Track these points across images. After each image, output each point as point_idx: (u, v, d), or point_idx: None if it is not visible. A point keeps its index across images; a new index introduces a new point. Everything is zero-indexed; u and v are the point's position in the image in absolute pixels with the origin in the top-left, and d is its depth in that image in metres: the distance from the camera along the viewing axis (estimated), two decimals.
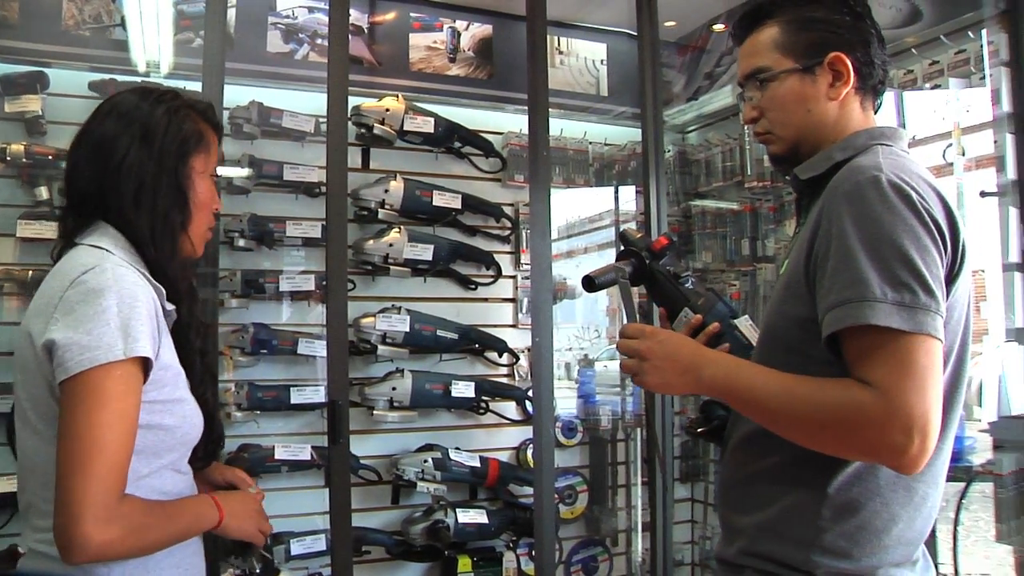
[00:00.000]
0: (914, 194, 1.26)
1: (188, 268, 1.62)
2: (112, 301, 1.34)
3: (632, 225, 4.16)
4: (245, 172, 3.36)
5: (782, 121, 1.51)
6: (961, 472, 2.81)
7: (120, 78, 3.22)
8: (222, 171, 3.23)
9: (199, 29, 3.15)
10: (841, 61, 1.44)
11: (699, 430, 1.64)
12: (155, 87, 1.70)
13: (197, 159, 1.58)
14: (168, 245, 1.52)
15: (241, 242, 3.33)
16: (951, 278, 1.29)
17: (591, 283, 1.62)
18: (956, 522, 2.77)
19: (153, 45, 3.29)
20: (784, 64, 1.48)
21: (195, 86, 2.89)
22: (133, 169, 1.49)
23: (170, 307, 1.52)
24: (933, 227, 1.25)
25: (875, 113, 1.53)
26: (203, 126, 1.62)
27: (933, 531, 2.78)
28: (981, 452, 2.85)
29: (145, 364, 1.38)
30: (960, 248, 1.30)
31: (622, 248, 1.70)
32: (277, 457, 3.24)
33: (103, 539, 1.27)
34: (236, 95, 3.32)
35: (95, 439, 1.28)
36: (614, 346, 4.42)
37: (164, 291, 1.49)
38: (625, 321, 1.55)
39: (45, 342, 1.33)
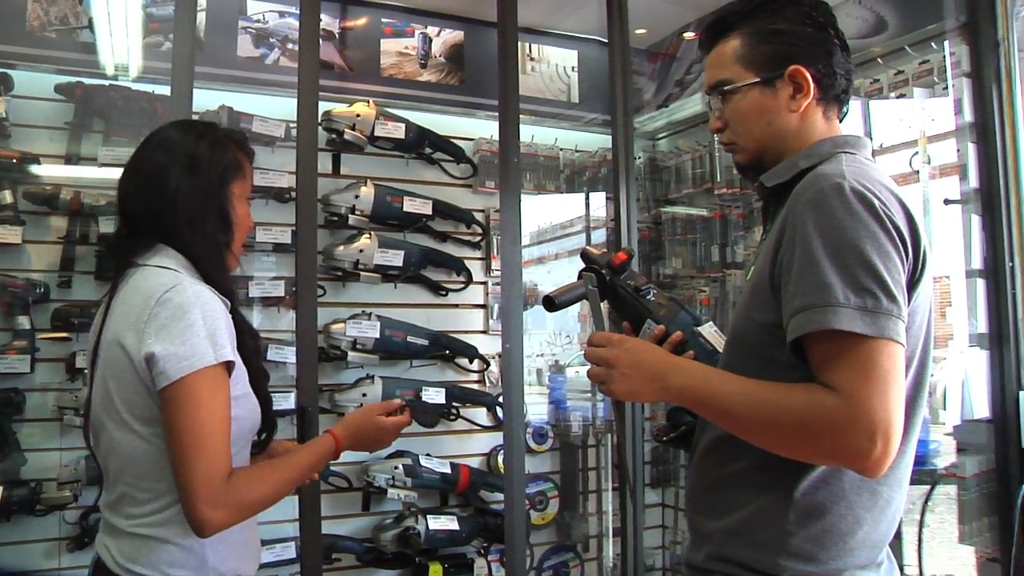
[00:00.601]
0: (876, 201, 1.27)
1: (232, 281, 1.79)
2: (198, 315, 1.54)
3: (601, 239, 4.18)
4: None
5: (744, 132, 1.53)
6: (926, 475, 2.85)
7: (88, 81, 3.20)
8: None
9: (168, 32, 3.12)
10: (800, 74, 1.45)
11: (665, 438, 1.66)
12: (195, 121, 1.96)
13: (236, 185, 1.76)
14: (219, 262, 1.72)
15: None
16: (912, 284, 1.31)
17: (552, 303, 1.65)
18: (921, 524, 2.81)
19: (121, 48, 3.26)
20: (745, 77, 1.50)
21: (164, 90, 2.87)
22: (185, 198, 1.67)
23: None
24: (895, 233, 1.27)
25: (841, 121, 1.55)
26: (239, 155, 1.79)
27: (899, 533, 2.83)
28: (945, 455, 2.89)
29: (228, 366, 1.59)
30: (921, 255, 1.32)
31: (583, 267, 1.71)
32: None
33: (217, 517, 1.51)
34: (205, 99, 3.30)
35: (197, 435, 1.50)
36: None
37: (228, 302, 1.68)
38: (593, 329, 1.56)
39: (145, 355, 1.52)
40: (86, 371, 1.72)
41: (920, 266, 1.32)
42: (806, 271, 1.26)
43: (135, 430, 1.58)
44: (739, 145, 1.55)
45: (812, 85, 1.46)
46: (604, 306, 1.63)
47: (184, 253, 1.67)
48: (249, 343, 1.74)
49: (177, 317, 1.53)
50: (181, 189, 1.66)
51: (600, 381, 1.46)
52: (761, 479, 1.38)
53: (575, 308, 1.78)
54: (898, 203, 1.31)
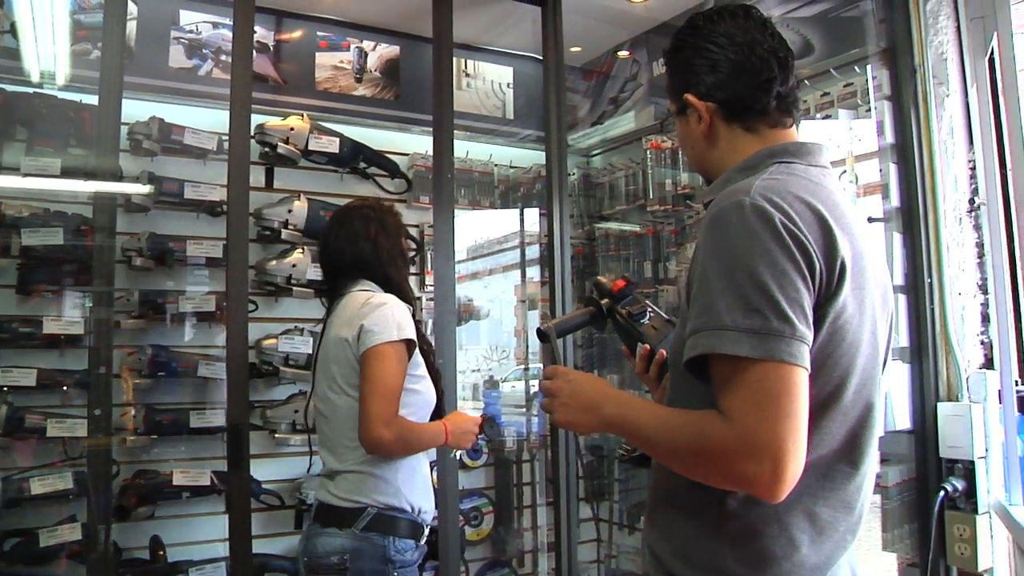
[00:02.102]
0: (777, 216, 1.23)
1: None
2: (390, 310, 2.29)
3: (535, 255, 4.21)
4: (145, 189, 3.28)
5: (686, 156, 1.61)
6: None
7: (9, 88, 3.13)
8: (119, 188, 3.15)
9: (97, 40, 3.07)
10: (689, 101, 1.48)
11: (627, 457, 1.76)
12: (367, 202, 2.61)
13: (404, 240, 2.58)
14: (405, 285, 2.49)
15: (139, 261, 3.24)
16: (827, 299, 1.26)
17: (545, 336, 1.69)
18: None
19: (47, 55, 3.18)
20: (672, 109, 1.58)
21: (92, 99, 2.81)
22: (385, 247, 2.45)
23: None
24: (795, 249, 1.22)
25: (792, 127, 1.51)
26: (399, 219, 2.57)
27: None
28: None
29: (409, 345, 2.30)
30: (838, 267, 1.26)
31: (588, 295, 1.79)
32: (175, 483, 3.15)
33: (386, 437, 2.19)
34: (136, 110, 3.25)
35: (379, 382, 2.22)
36: (522, 368, 4.47)
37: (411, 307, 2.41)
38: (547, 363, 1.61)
39: (356, 332, 2.27)
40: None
41: (837, 280, 1.26)
42: (700, 292, 1.26)
43: (349, 394, 2.29)
44: (691, 166, 1.64)
45: (703, 108, 1.47)
46: (561, 343, 1.68)
47: (380, 282, 2.43)
48: (425, 343, 2.46)
49: (376, 309, 2.28)
50: (381, 243, 2.45)
51: (548, 411, 1.51)
52: (694, 500, 1.37)
53: (510, 324, 1.83)
54: (813, 215, 1.27)
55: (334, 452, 2.35)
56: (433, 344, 2.71)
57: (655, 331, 1.69)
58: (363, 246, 2.44)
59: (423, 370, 2.42)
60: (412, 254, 3.96)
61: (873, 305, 1.36)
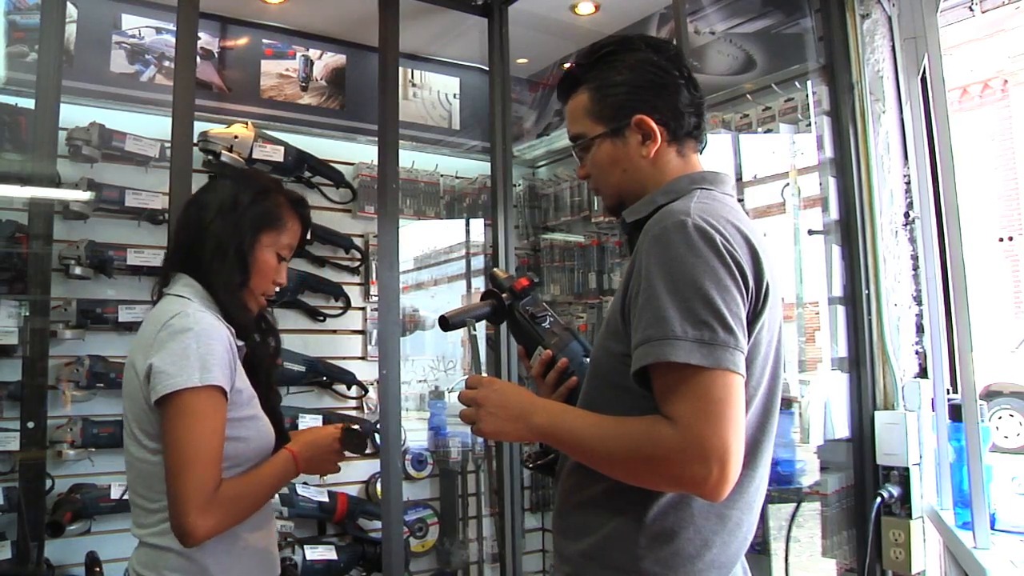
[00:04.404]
0: (718, 237, 1.31)
1: (251, 315, 1.89)
2: (192, 340, 1.66)
3: (480, 265, 4.22)
4: (84, 196, 3.21)
5: (604, 181, 1.59)
6: (792, 493, 2.98)
7: None
8: (57, 194, 3.08)
9: (34, 42, 3.01)
10: (645, 123, 1.50)
11: (531, 464, 1.72)
12: (259, 174, 2.22)
13: (268, 235, 1.88)
14: (234, 297, 1.83)
15: (78, 270, 3.17)
16: (755, 316, 1.36)
17: (445, 322, 1.69)
18: (788, 540, 2.92)
19: None
20: (596, 130, 1.55)
21: (28, 103, 2.75)
22: (214, 234, 1.82)
23: (240, 342, 1.82)
24: (735, 268, 1.31)
25: (701, 152, 1.60)
26: (286, 212, 1.91)
27: (768, 549, 2.94)
28: (811, 474, 3.02)
29: (222, 389, 1.69)
30: (764, 289, 1.37)
31: (487, 288, 1.77)
32: (113, 497, 3.08)
33: (207, 524, 1.62)
34: (75, 115, 3.19)
35: (189, 450, 1.62)
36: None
37: (234, 330, 1.80)
38: (471, 370, 1.60)
39: (145, 369, 1.67)
40: None
41: (762, 299, 1.37)
42: (648, 305, 1.30)
43: (143, 444, 1.72)
44: (602, 192, 1.62)
45: (658, 130, 1.51)
46: (485, 345, 1.67)
47: (203, 283, 1.81)
48: (262, 370, 1.90)
49: (173, 340, 1.67)
50: (213, 225, 1.82)
51: (470, 421, 1.50)
52: (614, 504, 1.43)
53: (457, 333, 1.82)
54: (743, 239, 1.36)
55: (133, 510, 1.80)
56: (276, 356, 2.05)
57: (556, 337, 1.69)
58: (192, 230, 1.86)
59: (254, 408, 1.82)
60: (356, 264, 3.95)
61: (777, 322, 1.46)
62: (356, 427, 1.98)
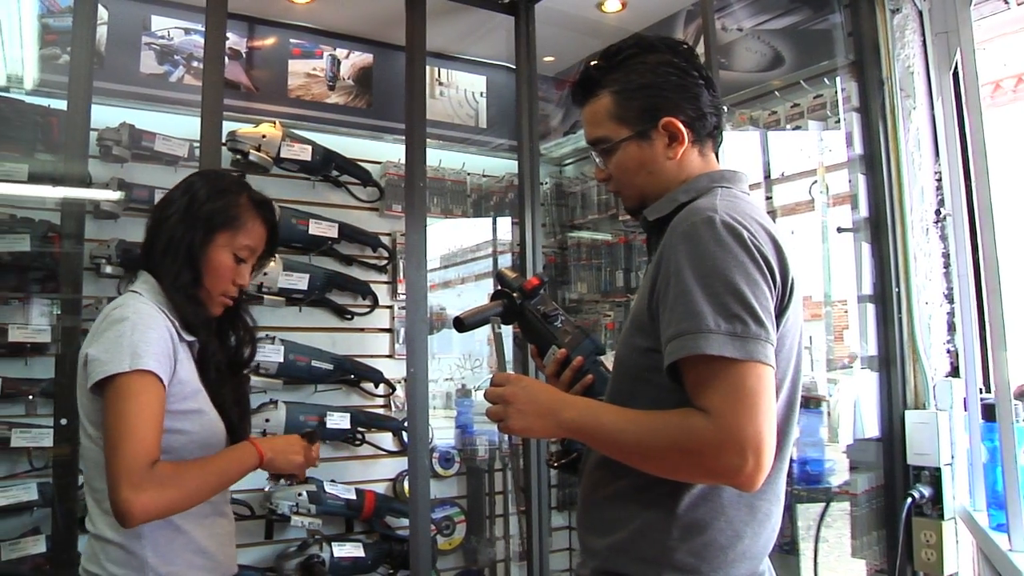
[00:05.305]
0: (745, 233, 1.34)
1: (205, 312, 1.86)
2: (126, 328, 1.68)
3: (509, 259, 4.21)
4: (114, 196, 3.25)
5: (628, 183, 1.59)
6: (821, 493, 2.96)
7: None
8: (88, 194, 3.11)
9: (66, 45, 3.05)
10: (673, 124, 1.51)
11: (556, 463, 1.72)
12: (225, 172, 2.15)
13: (223, 235, 1.85)
14: (182, 295, 1.81)
15: (108, 269, 3.20)
16: (781, 311, 1.38)
17: (461, 324, 1.69)
18: (817, 540, 2.90)
19: (15, 59, 3.15)
20: (621, 133, 1.54)
21: (60, 104, 2.78)
22: (169, 230, 1.83)
23: (190, 337, 1.81)
24: (763, 263, 1.33)
25: (716, 152, 1.61)
26: (245, 213, 1.89)
27: (796, 548, 2.92)
28: (840, 473, 3.00)
29: (155, 375, 1.67)
30: (789, 284, 1.39)
31: (496, 288, 1.77)
32: None
33: (139, 500, 1.57)
34: (106, 116, 3.23)
35: (121, 427, 1.61)
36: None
37: (178, 323, 1.79)
38: (496, 368, 1.60)
39: (83, 358, 1.70)
40: None
41: (788, 294, 1.39)
42: (679, 300, 1.32)
43: (89, 433, 1.73)
44: (624, 193, 1.62)
45: (685, 132, 1.51)
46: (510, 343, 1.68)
47: (159, 281, 1.81)
48: (212, 366, 1.85)
49: (108, 329, 1.70)
50: (169, 223, 1.83)
51: (498, 419, 1.50)
52: (644, 497, 1.44)
53: (484, 332, 1.82)
54: (767, 235, 1.38)
55: (88, 504, 1.78)
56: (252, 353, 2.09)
57: (569, 335, 1.70)
58: (153, 227, 1.87)
59: (201, 401, 1.80)
60: (383, 263, 3.96)
61: (800, 316, 1.48)
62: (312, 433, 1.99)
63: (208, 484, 1.73)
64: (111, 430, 1.62)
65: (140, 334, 1.68)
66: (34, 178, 3.02)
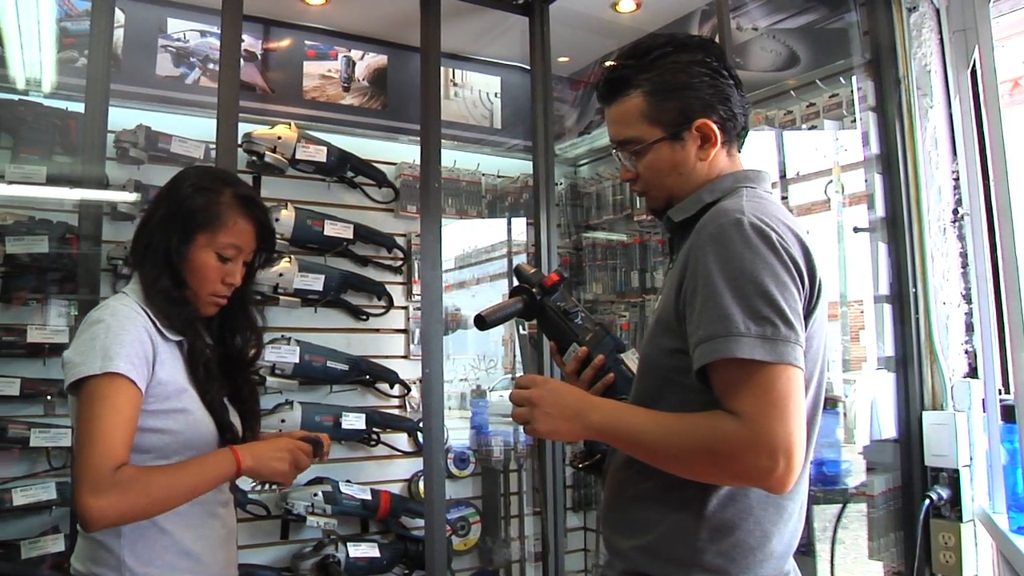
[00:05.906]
0: (774, 235, 1.33)
1: (190, 312, 1.82)
2: (101, 330, 1.66)
3: (524, 259, 4.21)
4: (131, 198, 3.26)
5: (657, 184, 1.56)
6: (837, 494, 2.94)
7: None
8: (105, 196, 3.12)
9: (83, 48, 3.06)
10: (707, 126, 1.49)
11: (580, 464, 1.70)
12: (211, 169, 2.09)
13: (204, 235, 1.80)
14: (158, 294, 1.77)
15: (125, 270, 3.21)
16: (809, 312, 1.38)
17: (483, 322, 1.67)
18: (834, 541, 2.88)
19: (33, 62, 3.17)
20: (653, 134, 1.52)
21: (78, 107, 2.80)
22: (152, 230, 1.80)
23: (177, 337, 1.78)
24: (791, 265, 1.33)
25: (740, 151, 1.60)
26: (228, 211, 1.83)
27: (813, 550, 2.90)
28: (856, 475, 2.98)
29: (126, 378, 1.63)
30: (817, 285, 1.39)
31: (515, 284, 1.75)
32: None
33: (99, 505, 1.53)
34: (122, 118, 3.24)
35: (88, 430, 1.59)
36: (509, 376, 4.46)
37: (161, 323, 1.75)
38: (520, 371, 1.60)
39: (62, 360, 1.68)
40: None
41: (816, 295, 1.39)
42: (708, 303, 1.31)
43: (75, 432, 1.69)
44: (651, 194, 1.59)
45: (718, 133, 1.50)
46: (531, 344, 1.66)
47: (141, 283, 1.78)
48: (199, 366, 1.79)
49: (83, 331, 1.69)
50: (150, 225, 1.81)
51: (524, 421, 1.49)
52: (672, 499, 1.43)
53: (499, 332, 1.81)
54: (794, 236, 1.38)
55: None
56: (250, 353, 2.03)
57: (590, 333, 1.68)
58: (140, 226, 1.85)
59: (187, 400, 1.75)
60: (399, 264, 3.96)
61: (825, 317, 1.48)
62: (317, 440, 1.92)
63: (176, 491, 1.66)
64: (79, 432, 1.61)
65: (113, 336, 1.65)
66: (52, 180, 3.04)
